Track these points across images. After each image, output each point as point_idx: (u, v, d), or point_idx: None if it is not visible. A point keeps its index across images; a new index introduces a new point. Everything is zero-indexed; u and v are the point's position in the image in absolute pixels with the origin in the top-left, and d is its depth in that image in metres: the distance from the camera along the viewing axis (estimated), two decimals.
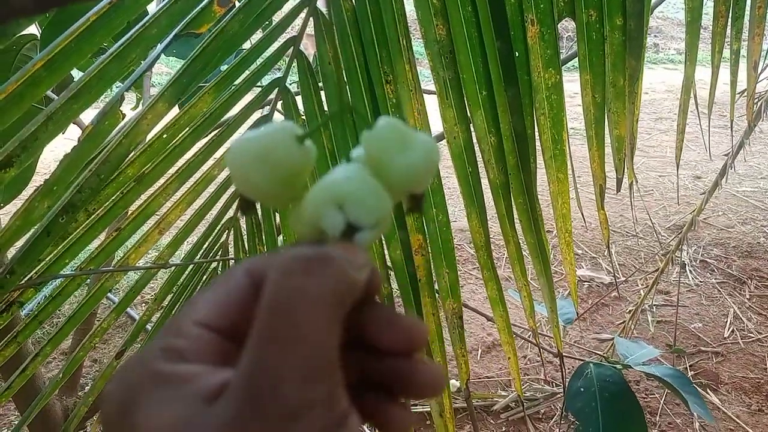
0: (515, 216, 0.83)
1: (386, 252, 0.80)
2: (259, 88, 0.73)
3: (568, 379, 1.11)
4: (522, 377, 2.02)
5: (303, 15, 0.71)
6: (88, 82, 0.53)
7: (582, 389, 1.02)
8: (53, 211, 0.56)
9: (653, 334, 2.25)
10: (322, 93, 0.74)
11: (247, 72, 0.68)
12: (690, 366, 2.08)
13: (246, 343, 0.23)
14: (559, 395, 1.90)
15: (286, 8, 0.70)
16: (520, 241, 0.86)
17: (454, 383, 1.70)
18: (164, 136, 0.64)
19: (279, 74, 0.76)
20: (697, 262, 2.77)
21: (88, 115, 0.60)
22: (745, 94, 1.16)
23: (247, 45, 0.70)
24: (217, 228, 0.80)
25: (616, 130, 0.85)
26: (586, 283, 2.60)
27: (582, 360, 1.12)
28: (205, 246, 0.81)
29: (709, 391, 1.96)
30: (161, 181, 0.68)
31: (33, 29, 1.27)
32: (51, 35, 1.21)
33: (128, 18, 0.52)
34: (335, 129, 0.72)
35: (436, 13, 0.71)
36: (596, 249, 2.89)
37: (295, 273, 0.23)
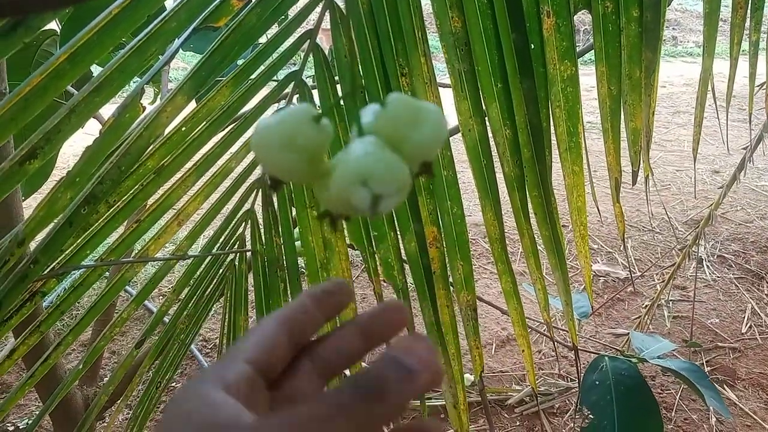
0: (530, 209, 0.83)
1: (401, 244, 0.80)
2: (276, 82, 0.74)
3: (582, 374, 1.11)
4: (536, 372, 2.02)
5: (319, 8, 0.71)
6: (109, 76, 0.53)
7: (597, 383, 1.02)
8: (75, 202, 0.57)
9: (669, 330, 2.24)
10: (338, 86, 0.74)
11: (264, 65, 0.69)
12: (707, 362, 2.07)
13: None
14: (573, 390, 1.90)
15: (302, 2, 0.71)
16: (535, 235, 0.86)
17: (469, 377, 1.70)
18: (183, 129, 0.65)
19: (295, 68, 0.76)
20: (715, 257, 2.74)
21: (106, 110, 0.61)
22: (765, 86, 1.15)
23: (263, 39, 0.71)
24: (234, 220, 0.81)
25: (632, 123, 0.85)
26: (601, 278, 2.59)
27: (597, 354, 1.12)
28: (223, 238, 0.82)
29: (725, 386, 1.95)
30: (180, 173, 0.69)
31: (53, 25, 1.29)
32: (71, 31, 1.23)
33: (149, 11, 0.52)
34: (349, 115, 0.73)
35: (451, 5, 0.71)
36: (612, 244, 2.87)
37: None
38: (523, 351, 0.91)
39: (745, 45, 0.93)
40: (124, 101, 0.56)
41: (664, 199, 3.36)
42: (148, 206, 0.70)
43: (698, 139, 1.05)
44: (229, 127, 0.72)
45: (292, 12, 0.70)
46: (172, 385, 1.87)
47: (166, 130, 0.63)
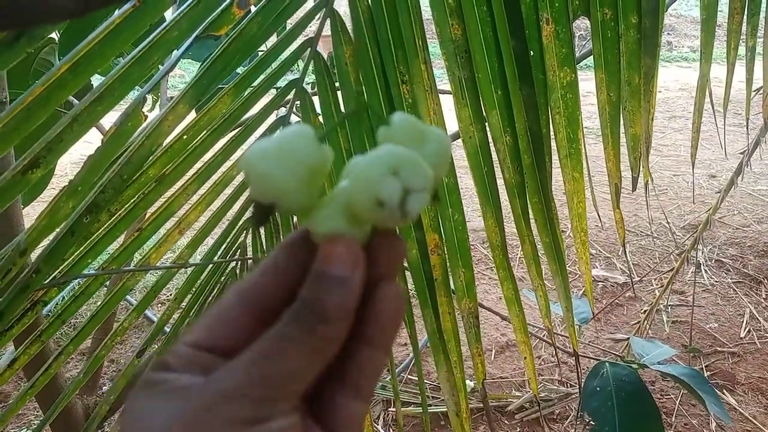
0: (530, 215, 0.83)
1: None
2: (277, 90, 0.74)
3: (583, 380, 1.11)
4: (536, 378, 2.02)
5: (319, 17, 0.71)
6: (111, 85, 0.54)
7: (598, 389, 1.02)
8: (77, 212, 0.57)
9: (668, 334, 2.24)
10: (339, 93, 0.74)
11: (265, 73, 0.69)
12: (706, 366, 2.07)
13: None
14: (573, 396, 1.90)
15: (303, 10, 0.71)
16: (535, 241, 0.86)
17: (468, 383, 1.70)
18: (184, 137, 0.65)
19: (293, 75, 0.76)
20: (713, 261, 2.75)
21: (106, 119, 0.61)
22: (762, 91, 1.16)
23: (264, 47, 0.71)
24: (236, 228, 0.81)
25: (631, 129, 0.85)
26: (600, 283, 2.59)
27: (597, 360, 1.12)
28: (224, 246, 0.82)
29: (725, 391, 1.95)
30: (181, 181, 0.69)
31: (51, 33, 1.29)
32: (69, 40, 1.23)
33: (151, 21, 0.52)
34: (352, 130, 0.73)
35: (451, 12, 0.72)
36: (610, 249, 2.88)
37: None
38: (525, 358, 0.91)
39: (741, 50, 0.94)
40: (126, 110, 0.56)
41: (662, 203, 3.37)
42: (150, 215, 0.70)
43: (696, 145, 1.06)
44: (230, 135, 0.72)
45: (293, 20, 0.70)
46: None
47: (168, 139, 0.63)
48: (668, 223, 3.11)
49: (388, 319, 0.27)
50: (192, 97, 0.60)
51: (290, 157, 0.26)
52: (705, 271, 2.66)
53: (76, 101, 1.00)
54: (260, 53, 0.71)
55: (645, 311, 2.11)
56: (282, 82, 0.76)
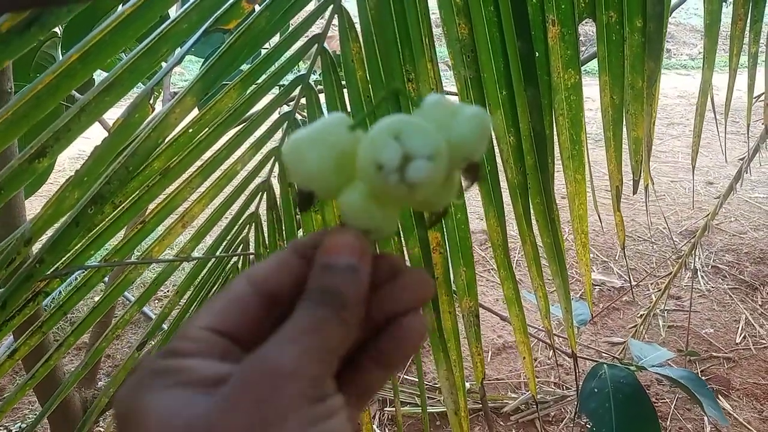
0: (532, 216, 0.84)
1: (405, 249, 0.81)
2: (283, 85, 0.74)
3: (579, 382, 1.11)
4: (534, 379, 2.02)
5: (327, 13, 0.71)
6: (119, 76, 0.54)
7: (596, 390, 1.02)
8: (82, 202, 0.57)
9: (664, 339, 2.24)
10: (345, 91, 0.74)
11: (272, 68, 0.69)
12: (701, 371, 2.08)
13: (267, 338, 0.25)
14: (569, 398, 1.90)
15: (310, 6, 0.71)
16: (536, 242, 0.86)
17: (467, 384, 1.70)
18: (190, 131, 0.65)
19: (301, 74, 0.76)
20: (709, 267, 2.76)
21: (109, 114, 0.60)
22: (763, 97, 1.16)
23: (272, 42, 0.71)
24: (239, 223, 0.81)
25: (633, 132, 0.86)
26: (597, 287, 2.59)
27: (595, 361, 1.12)
28: (227, 241, 0.82)
29: (720, 396, 1.95)
30: (185, 175, 0.69)
31: (62, 22, 1.28)
32: (72, 33, 1.23)
33: (161, 12, 0.53)
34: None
35: (458, 12, 0.72)
36: (608, 253, 2.88)
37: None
38: (524, 358, 0.91)
39: (743, 58, 0.94)
40: (134, 101, 0.56)
41: (660, 209, 3.38)
42: (154, 207, 0.70)
43: (697, 149, 1.06)
44: (235, 130, 0.72)
45: (302, 16, 0.70)
46: None
47: (174, 132, 0.63)
48: (666, 228, 3.12)
49: (410, 348, 0.29)
50: (199, 90, 0.60)
51: (323, 144, 0.27)
52: (702, 276, 2.67)
53: (79, 96, 1.00)
54: (267, 49, 0.71)
55: (642, 315, 2.12)
56: (289, 79, 0.76)
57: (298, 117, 0.79)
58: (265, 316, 0.27)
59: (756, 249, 2.92)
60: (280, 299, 0.28)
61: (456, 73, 0.75)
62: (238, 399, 0.23)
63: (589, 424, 1.03)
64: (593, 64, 0.91)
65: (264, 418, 0.22)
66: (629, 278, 2.67)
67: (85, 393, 1.17)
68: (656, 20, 0.80)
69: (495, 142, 0.79)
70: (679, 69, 8.14)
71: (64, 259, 0.64)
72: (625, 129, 0.84)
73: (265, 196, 0.81)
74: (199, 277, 0.83)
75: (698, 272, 2.69)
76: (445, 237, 0.81)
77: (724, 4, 0.94)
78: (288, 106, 0.81)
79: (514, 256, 2.68)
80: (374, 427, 1.79)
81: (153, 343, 0.89)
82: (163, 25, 0.55)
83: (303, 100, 0.76)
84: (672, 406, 1.90)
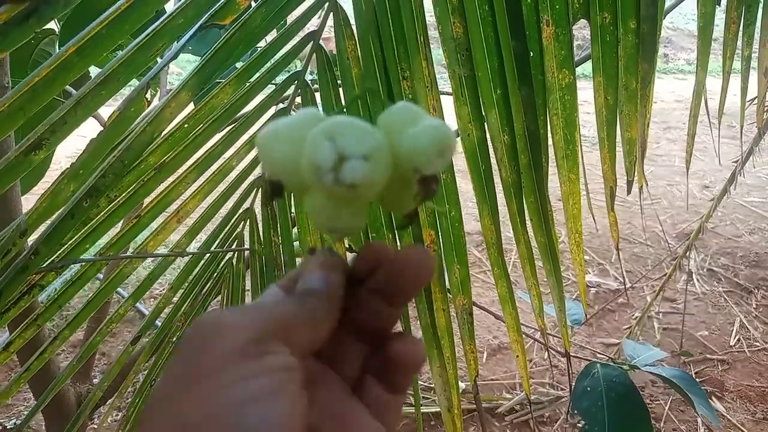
0: (526, 215, 0.84)
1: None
2: (278, 83, 0.75)
3: (573, 382, 1.12)
4: (528, 378, 2.03)
5: (323, 10, 0.72)
6: (115, 70, 0.54)
7: (589, 389, 1.03)
8: (78, 195, 0.57)
9: (659, 341, 2.25)
10: (341, 88, 0.75)
11: (267, 65, 0.69)
12: (695, 373, 2.08)
13: None
14: (564, 399, 1.91)
15: (306, 3, 0.72)
16: (531, 242, 0.86)
17: (461, 385, 1.70)
18: (185, 125, 0.65)
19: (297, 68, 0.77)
20: (704, 270, 2.77)
21: (105, 109, 0.61)
22: (755, 101, 1.17)
23: (268, 38, 0.72)
24: (233, 218, 0.82)
25: (627, 133, 0.86)
26: (593, 288, 2.60)
27: (589, 361, 1.13)
28: (221, 236, 0.82)
29: (714, 398, 1.96)
30: (181, 170, 0.69)
31: (51, 24, 1.29)
32: (69, 30, 1.23)
33: (157, 6, 0.53)
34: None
35: (453, 10, 0.73)
36: (603, 255, 2.89)
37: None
38: (517, 356, 0.91)
39: (736, 63, 0.95)
40: (130, 94, 0.56)
41: (655, 212, 3.39)
42: (149, 202, 0.70)
43: (691, 152, 1.07)
44: (231, 126, 0.72)
45: (297, 13, 0.71)
46: None
47: (169, 127, 0.64)
48: (661, 231, 3.14)
49: (410, 370, 0.31)
50: (195, 85, 0.60)
51: (291, 139, 0.27)
52: (697, 279, 2.68)
53: (74, 91, 1.01)
54: (263, 46, 0.71)
55: (636, 317, 2.13)
56: (284, 76, 0.76)
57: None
58: None
59: (751, 252, 2.93)
60: None
61: (451, 71, 0.75)
62: (180, 349, 0.24)
63: (581, 423, 1.04)
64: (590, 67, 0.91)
65: (196, 369, 0.23)
66: (624, 281, 2.68)
67: (79, 387, 1.18)
68: (650, 22, 0.81)
69: (489, 141, 0.80)
70: (676, 73, 8.17)
71: (59, 252, 0.65)
72: (619, 130, 0.84)
73: (260, 192, 0.81)
74: (193, 273, 0.83)
75: (693, 275, 2.70)
76: (439, 235, 0.81)
77: (717, 7, 0.95)
78: (284, 103, 0.82)
79: (510, 258, 2.68)
80: None
81: (146, 339, 0.90)
82: (159, 20, 0.55)
83: (299, 98, 0.77)
84: (666, 408, 1.91)
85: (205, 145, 0.70)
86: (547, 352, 2.04)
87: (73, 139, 0.90)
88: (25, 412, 1.77)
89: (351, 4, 0.71)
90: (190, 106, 0.65)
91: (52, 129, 0.52)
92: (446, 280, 0.85)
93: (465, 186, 0.82)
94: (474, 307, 0.93)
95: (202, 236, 0.86)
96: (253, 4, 0.63)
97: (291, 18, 0.72)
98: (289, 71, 0.79)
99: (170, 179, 0.69)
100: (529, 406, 1.85)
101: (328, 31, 0.73)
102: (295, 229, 0.81)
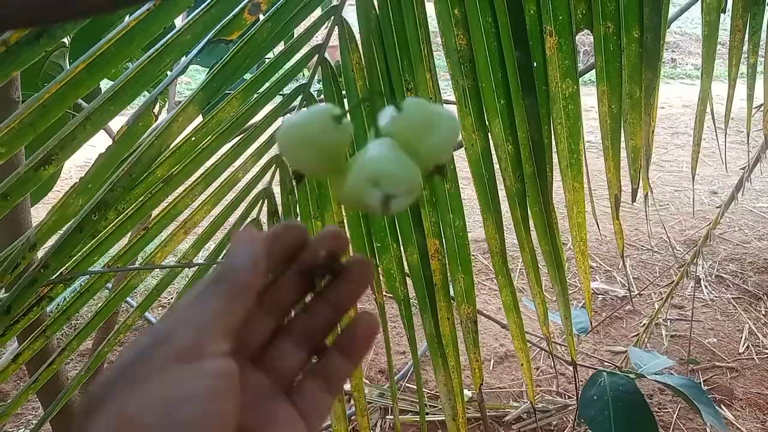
0: (531, 224, 0.84)
1: (404, 256, 0.82)
2: (285, 95, 0.76)
3: (580, 390, 1.11)
4: (534, 388, 2.02)
5: (328, 24, 0.73)
6: (124, 85, 0.55)
7: (595, 397, 1.03)
8: (87, 209, 0.58)
9: (667, 348, 2.24)
10: (345, 101, 0.76)
11: (274, 78, 0.70)
12: (704, 381, 2.07)
13: None
14: (571, 407, 1.90)
15: (312, 18, 0.73)
16: (535, 250, 0.87)
17: (466, 393, 1.70)
18: (192, 138, 0.66)
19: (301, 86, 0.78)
20: (713, 277, 2.75)
21: (115, 122, 0.62)
22: (762, 108, 1.17)
23: (274, 52, 0.72)
24: (241, 229, 0.82)
25: (632, 141, 0.87)
26: (600, 296, 2.59)
27: (596, 370, 1.13)
28: (228, 247, 0.83)
29: (723, 406, 1.95)
30: (188, 182, 0.70)
31: (69, 34, 1.30)
32: (80, 43, 1.25)
33: (164, 24, 0.54)
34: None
35: (457, 23, 0.73)
36: (610, 262, 2.88)
37: None
38: (522, 365, 0.91)
39: (743, 68, 0.95)
40: (138, 110, 0.57)
41: (663, 218, 3.38)
42: (156, 214, 0.71)
43: (697, 158, 1.07)
44: (238, 138, 0.73)
45: (302, 27, 0.72)
46: None
47: (177, 140, 0.65)
48: (669, 237, 3.12)
49: (364, 341, 0.34)
50: (202, 99, 0.61)
51: (312, 140, 0.30)
52: (705, 286, 2.66)
53: (85, 104, 1.02)
54: (269, 59, 0.72)
55: (644, 325, 2.12)
56: (289, 89, 0.77)
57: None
58: None
59: (760, 258, 2.91)
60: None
61: (454, 82, 0.76)
62: (131, 349, 0.27)
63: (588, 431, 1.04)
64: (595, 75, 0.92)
65: (140, 368, 0.26)
66: (630, 287, 2.66)
67: None
68: (653, 31, 0.81)
69: (493, 150, 0.80)
70: (684, 78, 8.15)
71: (68, 264, 0.66)
72: (623, 138, 0.84)
73: (266, 203, 0.82)
74: None
75: (701, 282, 2.68)
76: (444, 244, 0.82)
77: (723, 15, 0.95)
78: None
79: (517, 266, 2.68)
80: None
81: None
82: (168, 36, 0.56)
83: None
84: (675, 416, 1.89)
85: (213, 158, 0.70)
86: (553, 360, 2.03)
87: (83, 149, 0.91)
88: (34, 422, 1.78)
89: (356, 17, 0.72)
90: (198, 119, 0.66)
91: (61, 145, 0.53)
92: (451, 289, 0.85)
93: (471, 193, 0.82)
94: (480, 315, 0.94)
95: (211, 245, 0.87)
96: (261, 17, 0.64)
97: (297, 32, 0.73)
98: (297, 80, 0.80)
99: (178, 191, 0.70)
100: (535, 415, 1.85)
101: (334, 40, 0.74)
102: None
